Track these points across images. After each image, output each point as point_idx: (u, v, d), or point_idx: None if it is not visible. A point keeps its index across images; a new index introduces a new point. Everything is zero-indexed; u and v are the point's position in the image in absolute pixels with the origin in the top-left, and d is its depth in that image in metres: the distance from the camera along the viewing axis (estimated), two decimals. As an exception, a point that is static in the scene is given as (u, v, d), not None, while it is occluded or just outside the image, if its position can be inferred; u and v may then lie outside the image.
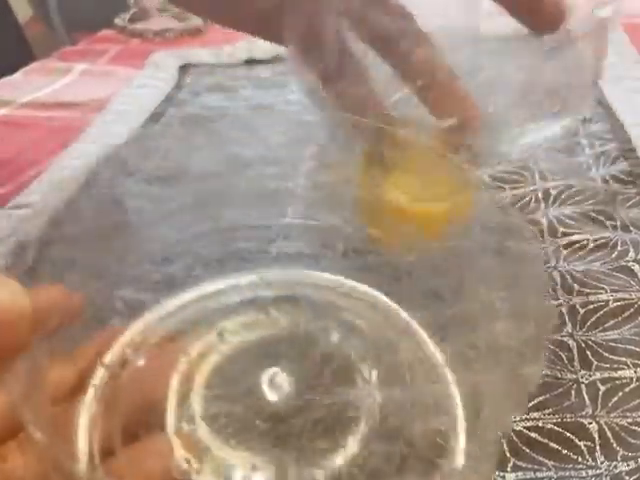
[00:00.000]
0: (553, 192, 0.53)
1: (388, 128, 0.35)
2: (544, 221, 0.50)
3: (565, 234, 0.48)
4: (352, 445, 0.30)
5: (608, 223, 0.49)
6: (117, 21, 1.07)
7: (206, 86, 0.82)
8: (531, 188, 0.54)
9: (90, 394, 0.30)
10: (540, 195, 0.53)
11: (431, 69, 0.36)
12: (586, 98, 0.37)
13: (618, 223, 0.49)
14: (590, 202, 0.51)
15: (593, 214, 0.50)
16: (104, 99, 0.81)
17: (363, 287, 0.37)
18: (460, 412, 0.30)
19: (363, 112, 0.37)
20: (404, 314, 0.36)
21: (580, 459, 0.34)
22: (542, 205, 0.52)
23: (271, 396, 0.31)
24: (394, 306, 0.36)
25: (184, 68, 0.88)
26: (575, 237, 0.48)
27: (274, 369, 0.32)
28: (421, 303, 0.36)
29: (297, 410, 0.31)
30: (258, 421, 0.30)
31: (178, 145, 0.66)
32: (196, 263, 0.39)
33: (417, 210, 0.38)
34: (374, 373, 0.33)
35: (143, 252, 0.39)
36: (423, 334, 0.35)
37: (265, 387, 0.32)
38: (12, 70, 0.94)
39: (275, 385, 0.32)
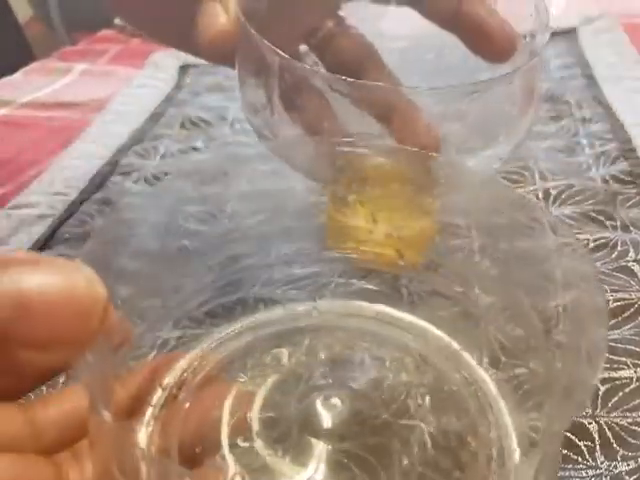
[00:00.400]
0: (553, 192, 0.53)
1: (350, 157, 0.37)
2: (544, 221, 0.50)
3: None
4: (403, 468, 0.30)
5: (608, 223, 0.49)
6: (117, 21, 1.06)
7: (206, 86, 0.82)
8: (531, 188, 0.54)
9: (148, 413, 0.31)
10: (540, 195, 0.53)
11: (391, 97, 0.36)
12: (517, 131, 0.38)
13: (618, 223, 0.49)
14: (590, 202, 0.51)
15: (593, 214, 0.50)
16: (104, 99, 0.81)
17: (410, 317, 0.38)
18: (513, 443, 0.30)
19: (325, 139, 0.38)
20: (455, 344, 0.36)
21: (580, 459, 0.33)
22: (542, 205, 0.52)
23: (326, 416, 0.32)
24: (444, 336, 0.37)
25: (184, 68, 0.88)
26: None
27: (328, 391, 0.33)
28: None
29: (350, 431, 0.31)
30: (313, 439, 0.30)
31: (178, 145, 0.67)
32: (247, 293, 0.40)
33: (378, 235, 0.39)
34: (427, 399, 0.33)
35: (201, 280, 0.39)
36: (473, 362, 0.35)
37: (319, 407, 0.32)
38: (12, 70, 0.94)
39: (329, 406, 0.32)
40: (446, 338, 0.37)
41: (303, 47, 0.41)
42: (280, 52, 0.32)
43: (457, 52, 0.40)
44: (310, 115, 0.37)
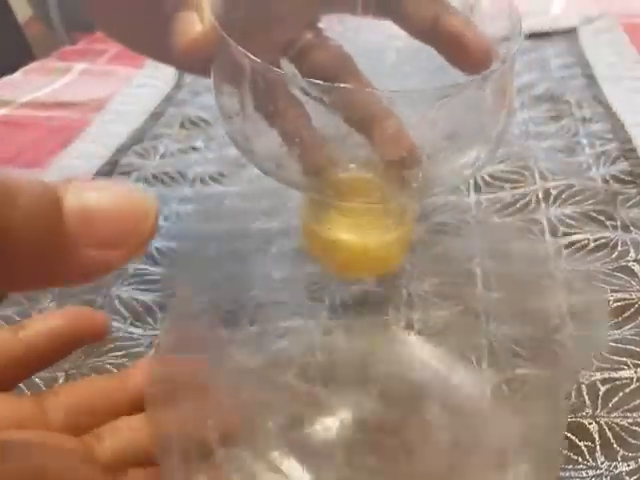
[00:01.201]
0: (553, 192, 0.53)
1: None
2: (544, 221, 0.50)
3: (566, 234, 0.48)
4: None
5: (608, 223, 0.49)
6: None
7: (206, 86, 0.82)
8: (532, 188, 0.54)
9: None
10: (540, 195, 0.53)
11: (369, 107, 0.37)
12: (490, 137, 0.38)
13: (618, 223, 0.49)
14: (590, 202, 0.51)
15: (593, 214, 0.50)
16: (104, 99, 0.81)
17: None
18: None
19: (304, 150, 0.38)
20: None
21: (580, 459, 0.33)
22: (542, 205, 0.52)
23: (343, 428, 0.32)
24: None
25: None
26: (575, 237, 0.48)
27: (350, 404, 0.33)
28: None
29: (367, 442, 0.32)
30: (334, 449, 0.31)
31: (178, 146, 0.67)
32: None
33: (354, 243, 0.39)
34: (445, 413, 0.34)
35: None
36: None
37: (339, 422, 0.32)
38: (12, 70, 0.94)
39: (348, 420, 0.33)
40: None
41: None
42: (252, 56, 0.32)
43: None
44: (286, 123, 0.37)
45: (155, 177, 0.63)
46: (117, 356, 0.41)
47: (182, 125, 0.72)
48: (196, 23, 0.36)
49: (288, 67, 0.38)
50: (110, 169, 0.65)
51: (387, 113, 0.37)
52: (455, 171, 0.39)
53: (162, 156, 0.67)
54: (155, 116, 0.75)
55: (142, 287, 0.47)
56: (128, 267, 0.49)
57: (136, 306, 0.45)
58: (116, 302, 0.46)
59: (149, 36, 0.44)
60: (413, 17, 0.40)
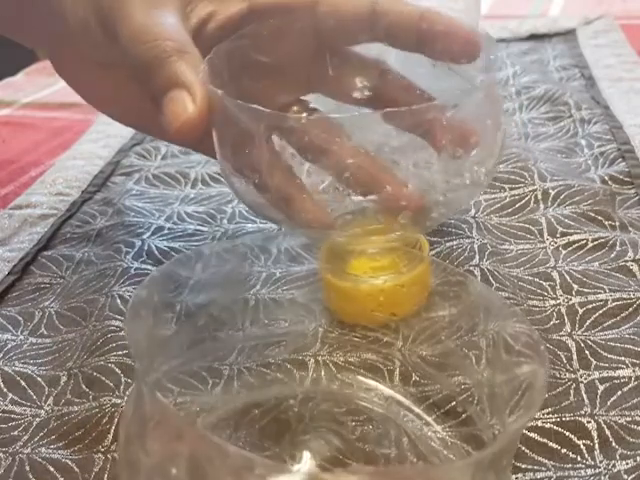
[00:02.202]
0: (552, 192, 0.53)
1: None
2: (543, 221, 0.50)
3: (564, 234, 0.48)
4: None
5: (607, 223, 0.49)
6: None
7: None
8: (530, 188, 0.54)
9: None
10: (539, 195, 0.53)
11: (352, 158, 0.38)
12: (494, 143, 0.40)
13: (617, 223, 0.49)
14: (589, 202, 0.51)
15: (592, 214, 0.50)
16: None
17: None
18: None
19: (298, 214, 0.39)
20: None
21: (579, 458, 0.33)
22: (541, 205, 0.52)
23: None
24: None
25: None
26: (574, 237, 0.48)
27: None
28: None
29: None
30: None
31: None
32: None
33: (366, 289, 0.40)
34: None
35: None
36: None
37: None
38: (14, 71, 0.94)
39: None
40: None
41: None
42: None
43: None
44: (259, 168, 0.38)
45: (157, 177, 0.63)
46: (120, 355, 0.41)
47: None
48: (188, 103, 0.36)
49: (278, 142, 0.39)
50: (112, 169, 0.65)
51: (388, 177, 0.38)
52: (463, 197, 0.41)
53: (164, 157, 0.67)
54: None
55: None
56: (130, 267, 0.49)
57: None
58: (118, 301, 0.46)
59: (138, 113, 0.45)
60: (399, 33, 0.42)
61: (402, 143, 0.38)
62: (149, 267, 0.49)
